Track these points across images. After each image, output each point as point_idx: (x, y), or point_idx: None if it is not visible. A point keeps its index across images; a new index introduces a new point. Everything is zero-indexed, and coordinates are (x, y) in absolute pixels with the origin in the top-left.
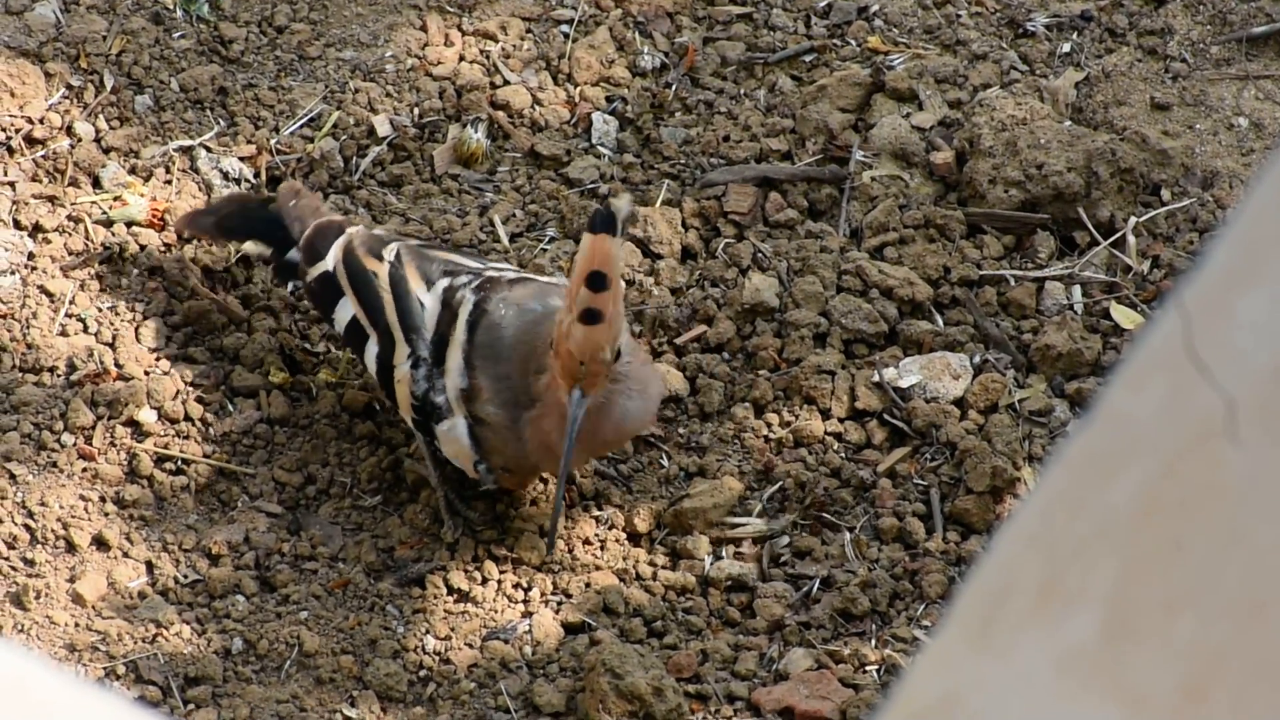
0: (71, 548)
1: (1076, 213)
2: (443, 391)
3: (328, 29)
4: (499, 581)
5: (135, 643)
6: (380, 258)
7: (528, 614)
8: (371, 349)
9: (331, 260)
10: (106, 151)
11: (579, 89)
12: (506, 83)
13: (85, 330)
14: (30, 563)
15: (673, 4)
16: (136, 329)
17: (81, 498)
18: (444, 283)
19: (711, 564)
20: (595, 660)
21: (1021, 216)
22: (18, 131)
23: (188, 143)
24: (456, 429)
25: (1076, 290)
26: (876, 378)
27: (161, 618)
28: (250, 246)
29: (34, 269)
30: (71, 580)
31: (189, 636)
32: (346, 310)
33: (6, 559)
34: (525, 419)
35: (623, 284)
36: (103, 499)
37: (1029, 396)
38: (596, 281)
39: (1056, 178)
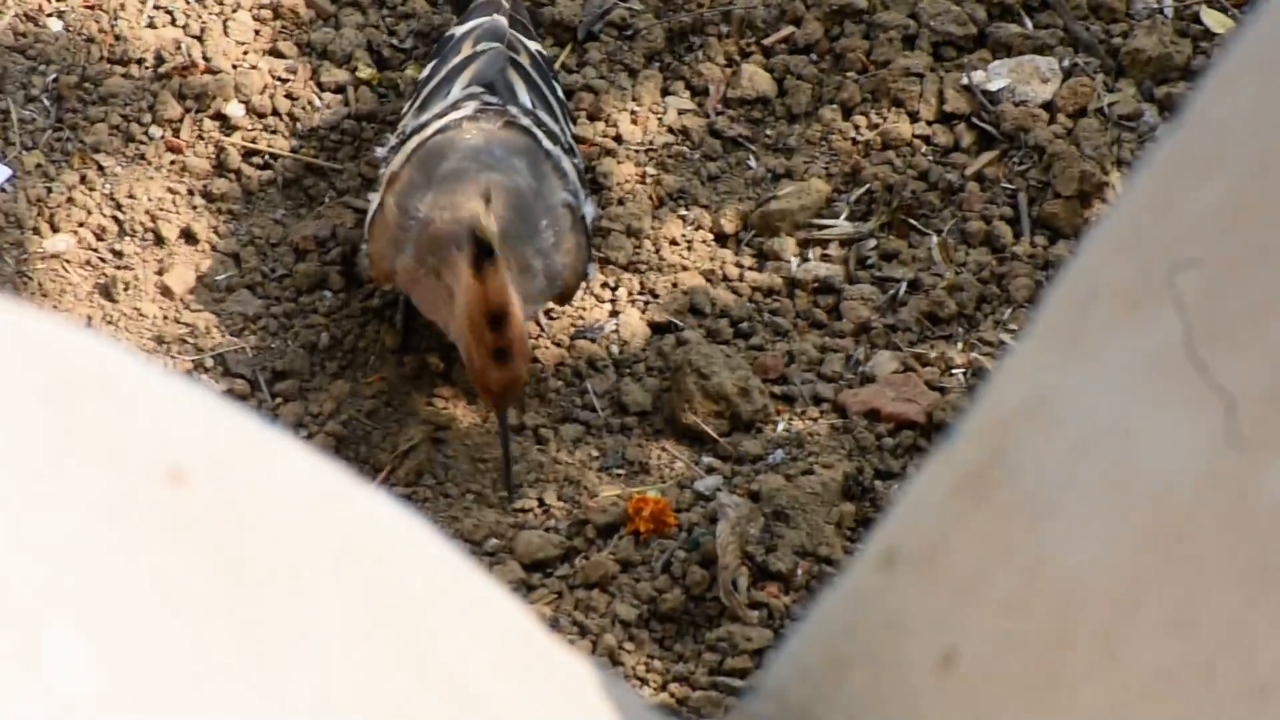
0: (159, 240)
1: None
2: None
3: None
4: (586, 281)
5: (223, 335)
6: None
7: (615, 313)
8: None
9: None
10: None
11: None
12: None
13: (173, 23)
14: (119, 254)
15: None
16: (224, 22)
17: (169, 190)
18: (492, 47)
19: (798, 265)
20: (682, 360)
21: None
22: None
23: None
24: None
25: None
26: (965, 80)
27: (249, 311)
28: None
29: None
30: (159, 273)
31: (275, 330)
32: None
33: (95, 250)
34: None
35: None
36: (190, 192)
37: (1118, 100)
38: (497, 321)
39: None
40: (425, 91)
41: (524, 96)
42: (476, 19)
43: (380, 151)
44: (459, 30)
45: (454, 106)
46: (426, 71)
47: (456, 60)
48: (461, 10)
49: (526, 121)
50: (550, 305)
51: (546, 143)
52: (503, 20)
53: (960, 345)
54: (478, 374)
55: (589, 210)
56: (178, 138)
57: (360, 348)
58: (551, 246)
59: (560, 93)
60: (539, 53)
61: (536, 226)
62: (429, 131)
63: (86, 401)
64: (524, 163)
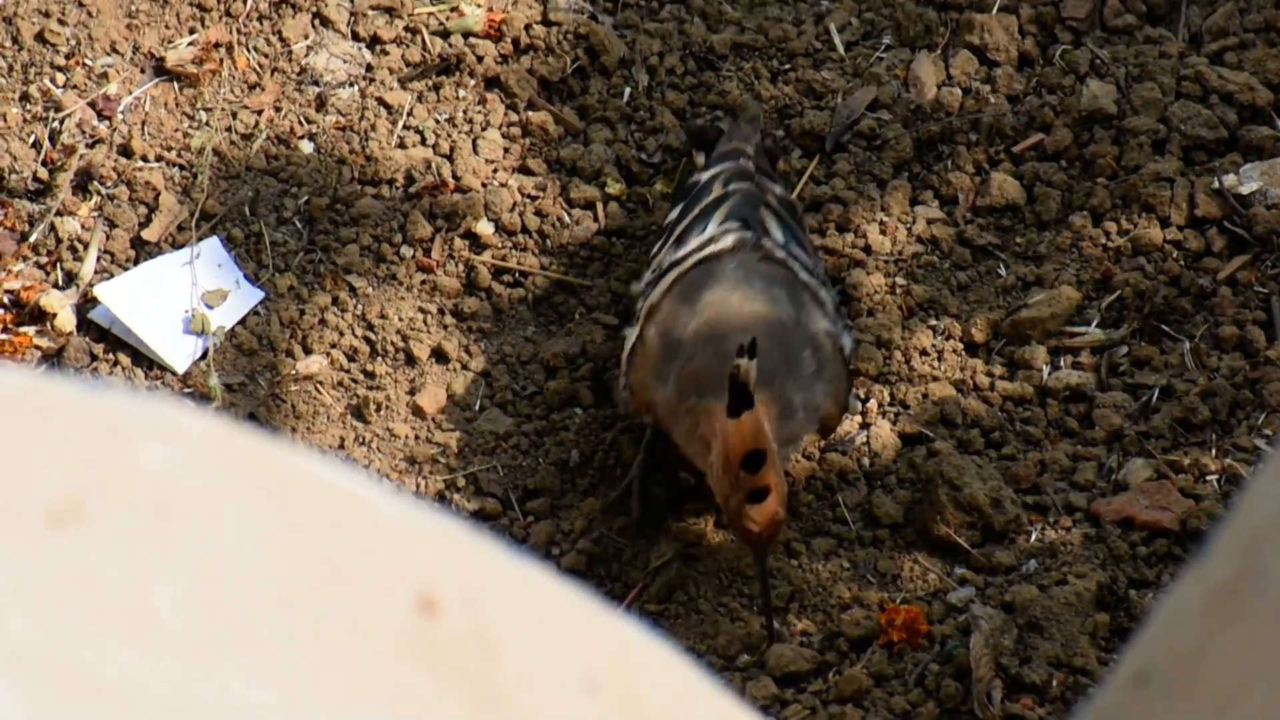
0: (411, 360)
1: None
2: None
3: None
4: None
5: (474, 455)
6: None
7: (865, 425)
8: None
9: None
10: None
11: None
12: None
13: (423, 142)
14: (370, 375)
15: None
16: (474, 141)
17: (420, 310)
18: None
19: (1049, 374)
20: (933, 471)
21: None
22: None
23: None
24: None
25: None
26: (1216, 184)
27: (500, 430)
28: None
29: (372, 81)
30: (411, 393)
31: (526, 449)
32: None
33: (347, 371)
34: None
35: (774, 446)
36: (441, 311)
37: None
38: (753, 463)
39: None
40: (679, 229)
41: (777, 232)
42: (722, 164)
43: (636, 286)
44: (704, 175)
45: (712, 240)
46: (676, 213)
47: (708, 199)
48: (705, 148)
49: (782, 254)
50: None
51: (803, 274)
52: (749, 164)
53: (1214, 452)
54: (734, 516)
55: (847, 341)
56: (428, 257)
57: (610, 465)
58: (813, 375)
59: (806, 231)
60: (782, 196)
61: (798, 357)
62: (689, 263)
63: (335, 531)
64: (784, 293)
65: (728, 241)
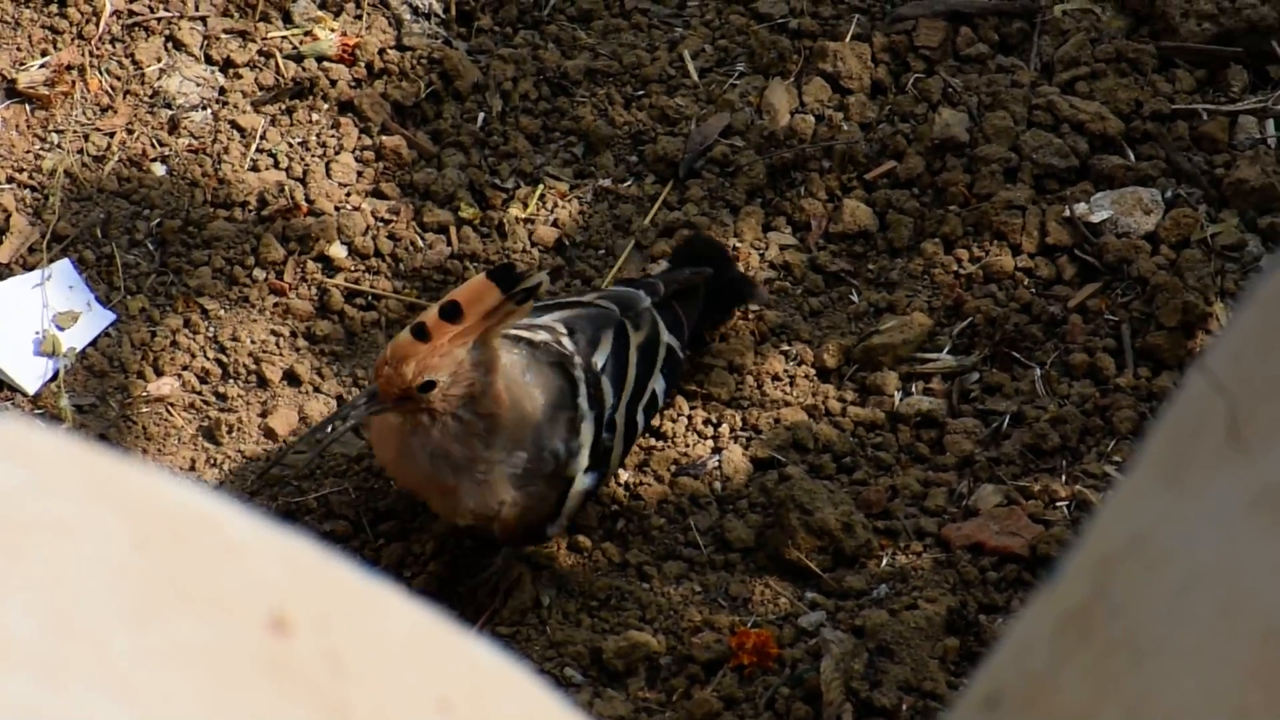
0: (263, 382)
1: (1270, 46)
2: None
3: None
4: (689, 417)
5: (325, 477)
6: None
7: (717, 449)
8: None
9: None
10: None
11: None
12: None
13: (276, 166)
14: (223, 397)
15: None
16: (327, 164)
17: (273, 332)
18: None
19: (901, 399)
20: (785, 496)
21: (1214, 50)
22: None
23: None
24: None
25: (1270, 124)
26: (1067, 213)
27: (351, 453)
28: None
29: (225, 104)
30: (263, 415)
31: (378, 471)
32: None
33: (199, 393)
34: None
35: (480, 344)
36: (293, 334)
37: (1221, 231)
38: (449, 310)
39: (1250, 10)
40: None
41: (600, 358)
42: (624, 286)
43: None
44: (604, 285)
45: (530, 329)
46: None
47: (571, 299)
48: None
49: (579, 373)
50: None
51: (582, 399)
52: (644, 297)
53: (1064, 478)
54: None
55: (587, 481)
56: (281, 280)
57: None
58: (519, 472)
59: (661, 386)
60: (668, 345)
61: (520, 442)
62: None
63: (185, 551)
64: (551, 394)
65: (538, 336)
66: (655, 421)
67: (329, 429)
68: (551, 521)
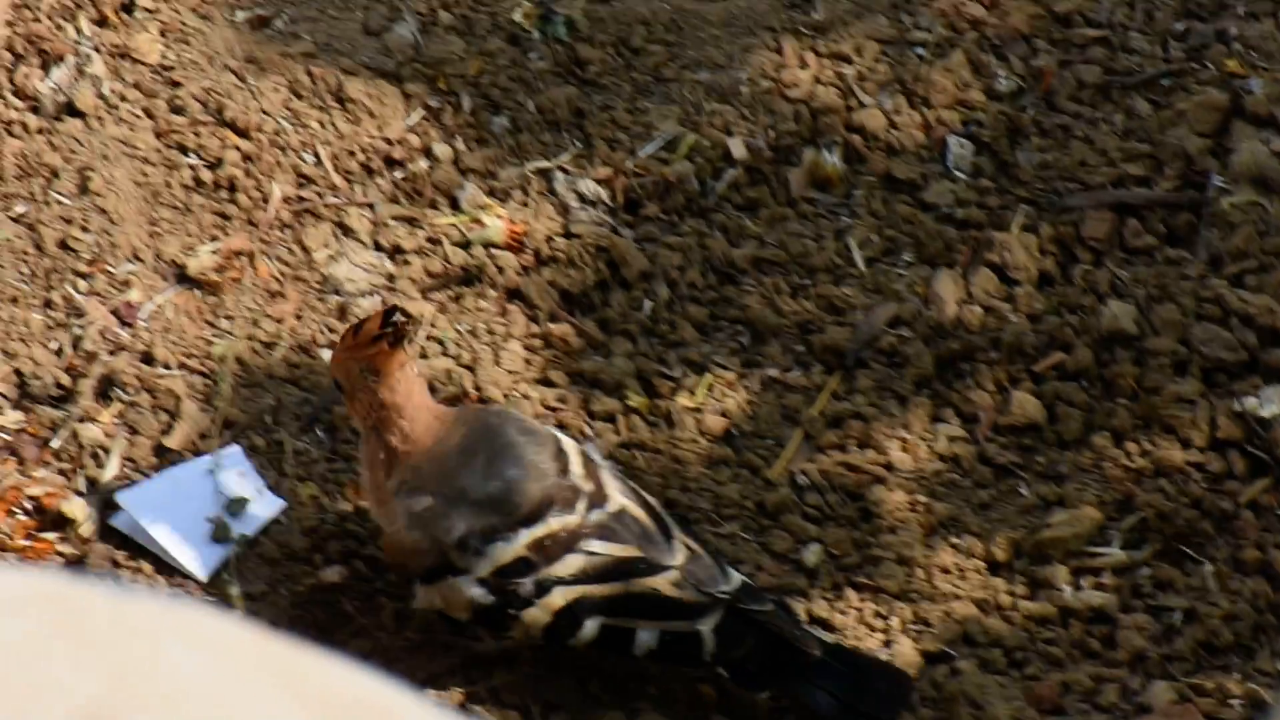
0: None
1: None
2: None
3: (683, 51)
4: (859, 610)
5: (496, 666)
6: None
7: (887, 642)
8: None
9: None
10: (464, 173)
11: (934, 112)
12: (862, 105)
13: (445, 353)
14: (393, 585)
15: (1029, 27)
16: (496, 352)
17: None
18: None
19: (1072, 594)
20: (956, 690)
21: None
22: (376, 153)
23: (544, 164)
24: None
25: None
26: (1237, 407)
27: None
28: None
29: (393, 291)
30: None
31: (548, 661)
32: None
33: (369, 581)
34: None
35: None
36: None
37: None
38: (354, 325)
39: None
40: None
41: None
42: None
43: None
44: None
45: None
46: None
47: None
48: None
49: (569, 445)
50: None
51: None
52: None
53: (1238, 676)
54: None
55: (473, 591)
56: None
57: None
58: (416, 512)
59: (649, 636)
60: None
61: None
62: None
63: None
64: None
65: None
66: (825, 614)
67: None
68: (420, 582)
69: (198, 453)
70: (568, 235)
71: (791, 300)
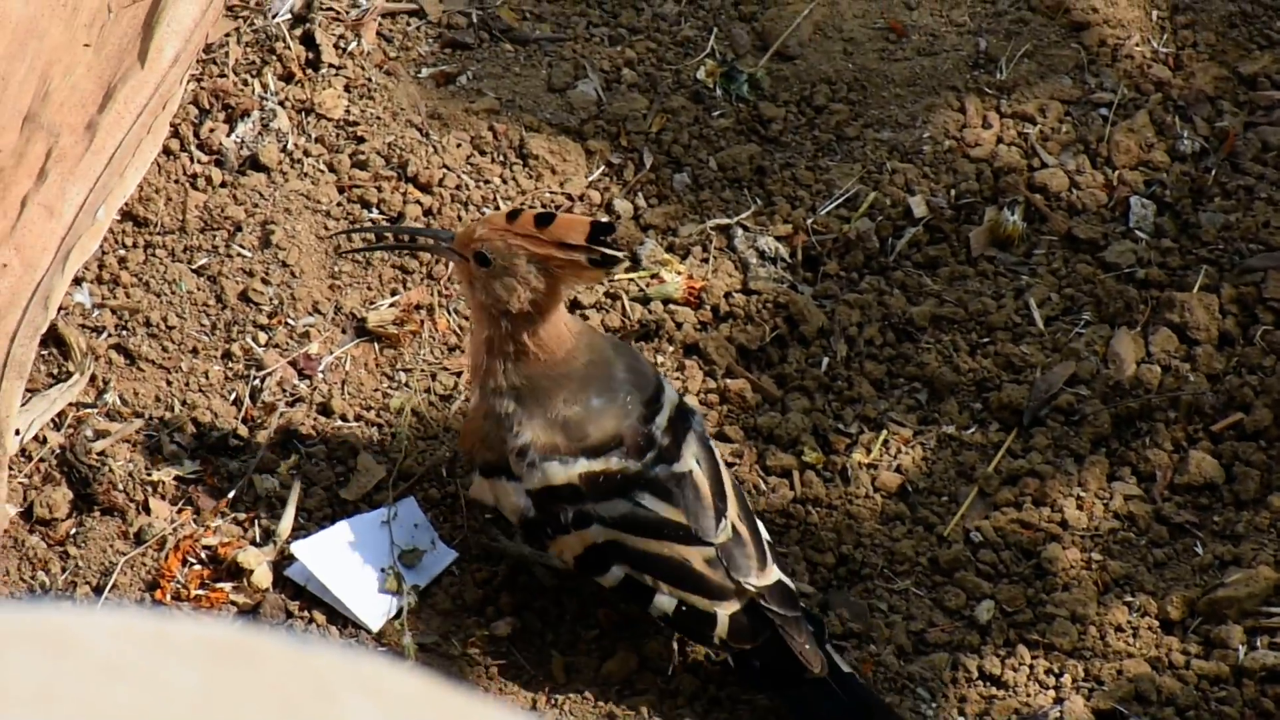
0: (600, 624)
1: None
2: None
3: (866, 109)
4: (1030, 666)
5: None
6: None
7: (1059, 700)
8: None
9: None
10: (644, 229)
11: (1117, 172)
12: (1044, 165)
13: None
14: (564, 638)
15: (1214, 88)
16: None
17: None
18: None
19: (1246, 654)
20: None
21: None
22: (558, 208)
23: (725, 221)
24: None
25: None
26: None
27: (689, 689)
28: None
29: None
30: (602, 659)
31: None
32: None
33: (540, 633)
34: None
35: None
36: None
37: None
38: (542, 216)
39: None
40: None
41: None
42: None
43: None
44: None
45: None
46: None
47: None
48: None
49: (669, 398)
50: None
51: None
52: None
53: None
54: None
55: (519, 500)
56: None
57: None
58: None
59: (669, 602)
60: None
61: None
62: None
63: None
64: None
65: None
66: (996, 670)
67: (414, 238)
68: (479, 473)
69: (373, 504)
70: (746, 291)
71: (969, 358)
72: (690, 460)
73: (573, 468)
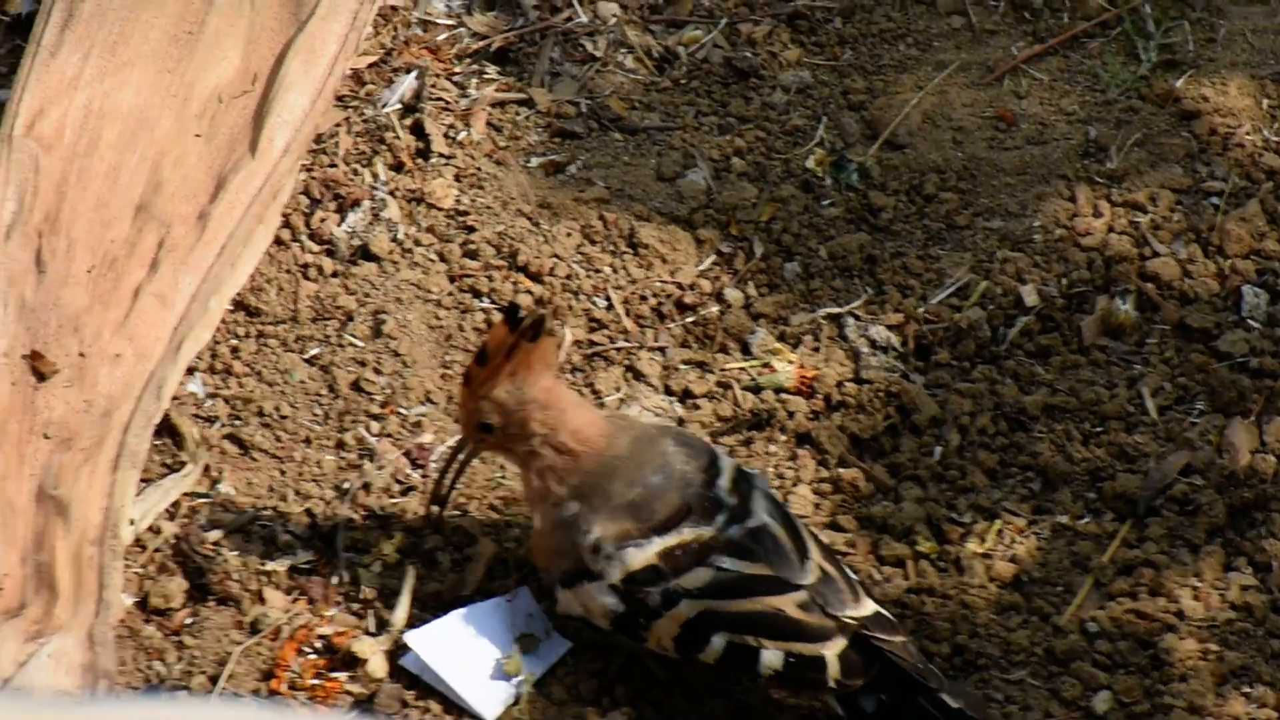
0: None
1: None
2: None
3: (976, 198)
4: None
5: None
6: None
7: None
8: None
9: None
10: (755, 318)
11: (1229, 261)
12: (1156, 254)
13: None
14: None
15: None
16: (785, 496)
17: None
18: None
19: None
20: None
21: None
22: (668, 297)
23: (836, 310)
24: None
25: None
26: None
27: None
28: None
29: None
30: None
31: None
32: None
33: None
34: None
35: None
36: None
37: None
38: (478, 355)
39: None
40: None
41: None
42: None
43: None
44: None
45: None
46: None
47: None
48: None
49: (726, 463)
50: None
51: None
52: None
53: None
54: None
55: (606, 600)
56: None
57: None
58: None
59: (776, 656)
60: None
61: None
62: None
63: None
64: (693, 462)
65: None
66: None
67: (445, 476)
68: (560, 586)
69: (487, 594)
70: (858, 380)
71: (1083, 447)
72: (762, 514)
73: (649, 549)
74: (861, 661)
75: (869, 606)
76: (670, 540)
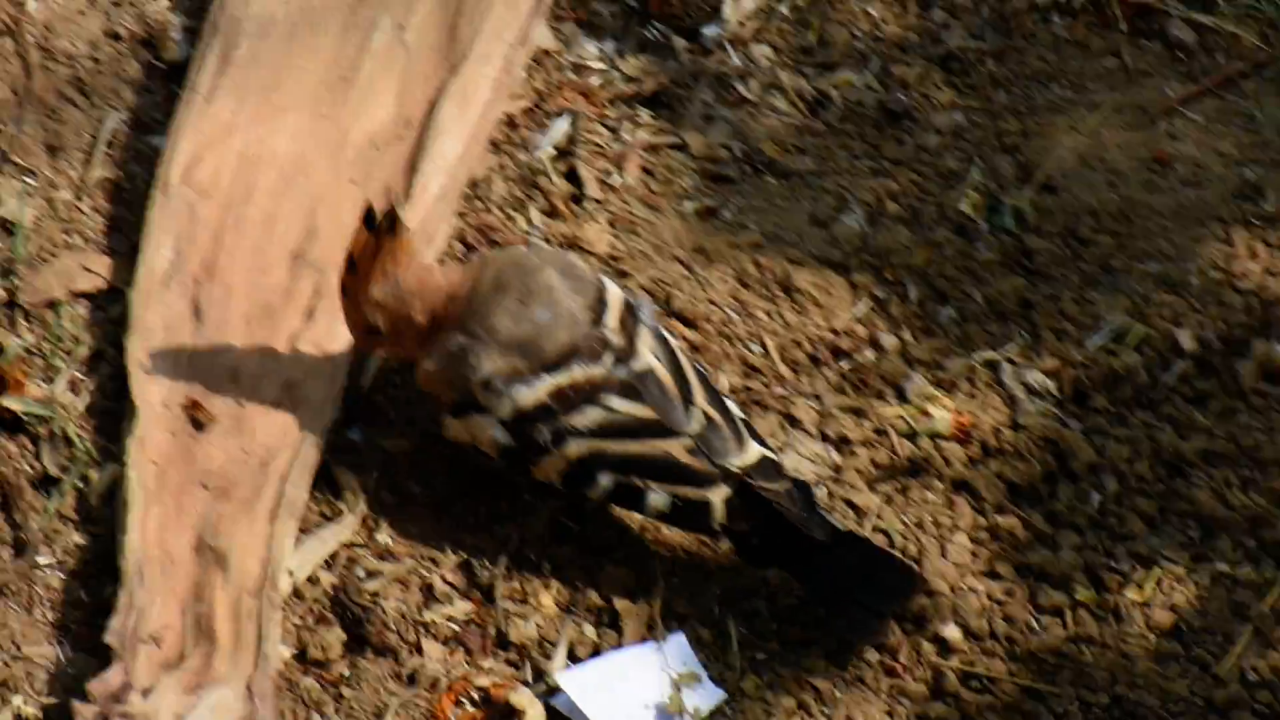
0: None
1: None
2: None
3: (1132, 241)
4: None
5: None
6: None
7: None
8: None
9: None
10: (911, 364)
11: None
12: None
13: (891, 544)
14: None
15: None
16: (942, 544)
17: (888, 714)
18: None
19: None
20: None
21: None
22: (823, 343)
23: (991, 355)
24: None
25: None
26: None
27: None
28: None
29: (839, 481)
30: None
31: None
32: None
33: None
34: None
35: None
36: (909, 717)
37: None
38: (348, 263)
39: None
40: None
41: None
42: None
43: None
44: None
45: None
46: None
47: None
48: None
49: (613, 296)
50: None
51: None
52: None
53: None
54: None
55: (496, 434)
56: (895, 661)
57: None
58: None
59: (662, 498)
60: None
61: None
62: None
63: None
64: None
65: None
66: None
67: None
68: (449, 415)
69: (641, 640)
70: (1015, 427)
71: (1242, 494)
72: (647, 355)
73: (539, 386)
74: (745, 508)
75: (754, 453)
76: (560, 379)
